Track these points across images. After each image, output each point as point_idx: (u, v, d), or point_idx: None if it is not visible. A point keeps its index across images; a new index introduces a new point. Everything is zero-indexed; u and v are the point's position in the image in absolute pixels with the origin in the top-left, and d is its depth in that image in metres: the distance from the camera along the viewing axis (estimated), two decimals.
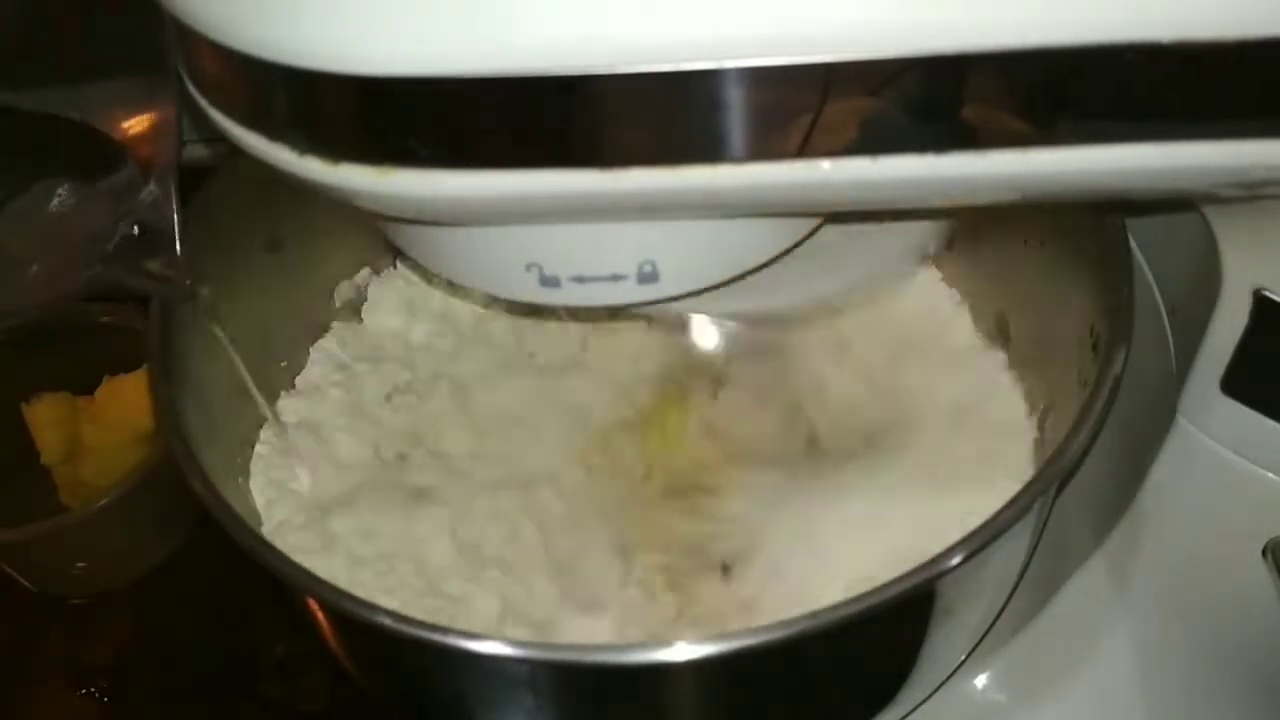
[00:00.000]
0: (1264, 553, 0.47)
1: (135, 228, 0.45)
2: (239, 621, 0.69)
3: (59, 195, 0.45)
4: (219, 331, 0.52)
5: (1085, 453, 0.43)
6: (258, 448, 0.58)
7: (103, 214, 0.45)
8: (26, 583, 0.72)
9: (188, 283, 0.47)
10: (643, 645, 0.37)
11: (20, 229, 0.45)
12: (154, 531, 0.72)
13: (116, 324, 0.72)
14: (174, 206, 0.45)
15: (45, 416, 0.72)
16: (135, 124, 0.45)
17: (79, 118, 0.46)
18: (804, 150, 0.32)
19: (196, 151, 0.54)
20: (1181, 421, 0.48)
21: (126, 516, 0.68)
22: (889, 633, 0.44)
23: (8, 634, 0.71)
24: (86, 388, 0.73)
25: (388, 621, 0.37)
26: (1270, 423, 0.45)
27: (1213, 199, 0.42)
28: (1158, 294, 0.51)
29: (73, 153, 0.46)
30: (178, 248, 0.46)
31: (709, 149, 0.32)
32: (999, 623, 0.51)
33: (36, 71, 0.51)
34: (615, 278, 0.38)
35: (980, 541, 0.38)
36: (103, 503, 0.67)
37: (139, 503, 0.68)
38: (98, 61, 0.48)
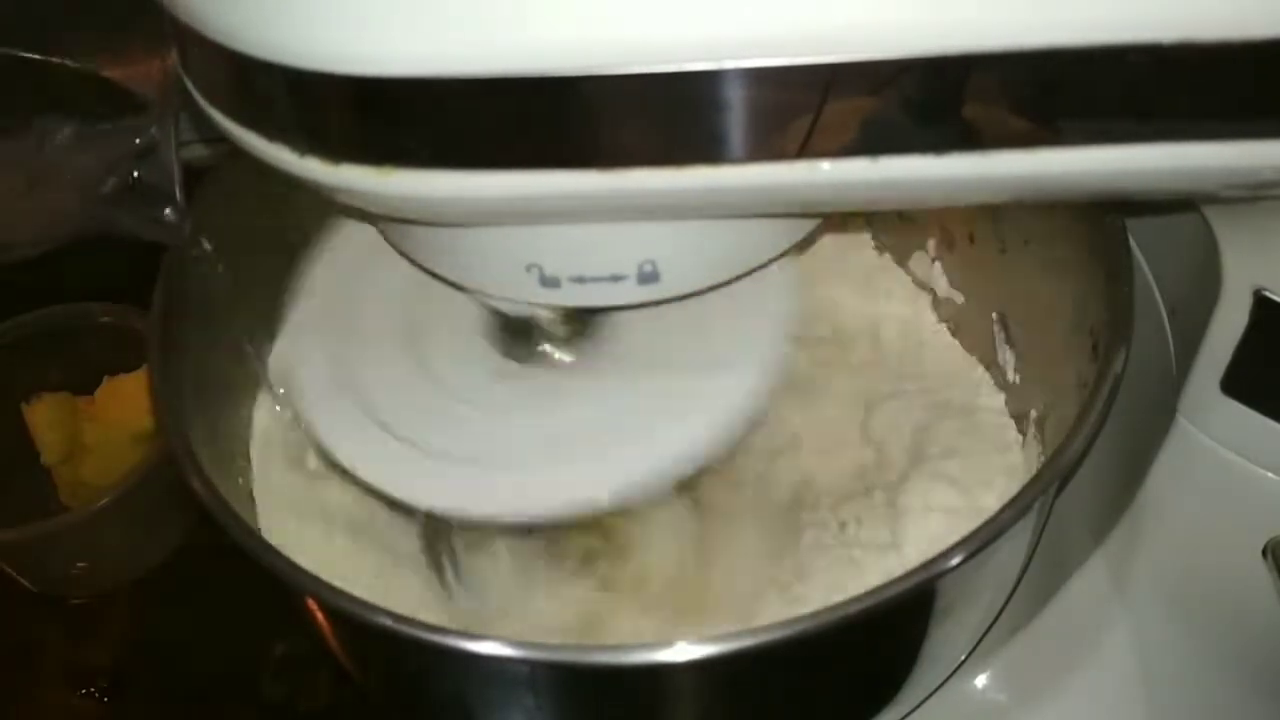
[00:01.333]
0: (1264, 552, 0.47)
1: (135, 172, 0.45)
2: (239, 621, 0.69)
3: (60, 136, 0.45)
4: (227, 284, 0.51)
5: (1085, 453, 0.43)
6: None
7: (104, 156, 0.45)
8: (26, 583, 0.72)
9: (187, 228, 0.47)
10: (643, 646, 0.36)
11: (18, 165, 0.45)
12: (154, 531, 0.72)
13: (116, 324, 0.73)
14: (174, 149, 0.45)
15: (45, 416, 0.72)
16: (138, 71, 0.45)
17: (84, 65, 0.46)
18: (804, 151, 0.32)
19: (196, 151, 0.54)
20: (1181, 421, 0.48)
21: (126, 516, 0.68)
22: (889, 633, 0.44)
23: (8, 634, 0.71)
24: (86, 388, 0.74)
25: (387, 622, 0.37)
26: (1270, 422, 0.45)
27: (1215, 200, 0.42)
28: (1158, 294, 0.51)
29: (77, 97, 0.46)
30: (178, 192, 0.46)
31: (709, 150, 0.32)
32: (999, 622, 0.51)
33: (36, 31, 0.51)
34: (615, 278, 0.38)
35: (980, 541, 0.38)
36: (103, 503, 0.67)
37: (139, 503, 0.68)
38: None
